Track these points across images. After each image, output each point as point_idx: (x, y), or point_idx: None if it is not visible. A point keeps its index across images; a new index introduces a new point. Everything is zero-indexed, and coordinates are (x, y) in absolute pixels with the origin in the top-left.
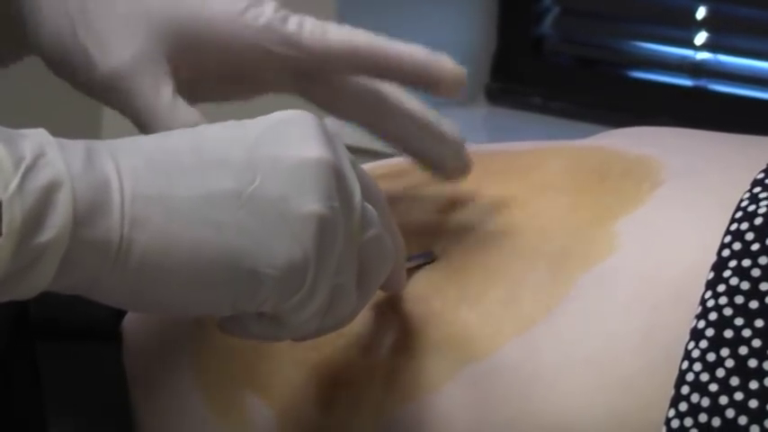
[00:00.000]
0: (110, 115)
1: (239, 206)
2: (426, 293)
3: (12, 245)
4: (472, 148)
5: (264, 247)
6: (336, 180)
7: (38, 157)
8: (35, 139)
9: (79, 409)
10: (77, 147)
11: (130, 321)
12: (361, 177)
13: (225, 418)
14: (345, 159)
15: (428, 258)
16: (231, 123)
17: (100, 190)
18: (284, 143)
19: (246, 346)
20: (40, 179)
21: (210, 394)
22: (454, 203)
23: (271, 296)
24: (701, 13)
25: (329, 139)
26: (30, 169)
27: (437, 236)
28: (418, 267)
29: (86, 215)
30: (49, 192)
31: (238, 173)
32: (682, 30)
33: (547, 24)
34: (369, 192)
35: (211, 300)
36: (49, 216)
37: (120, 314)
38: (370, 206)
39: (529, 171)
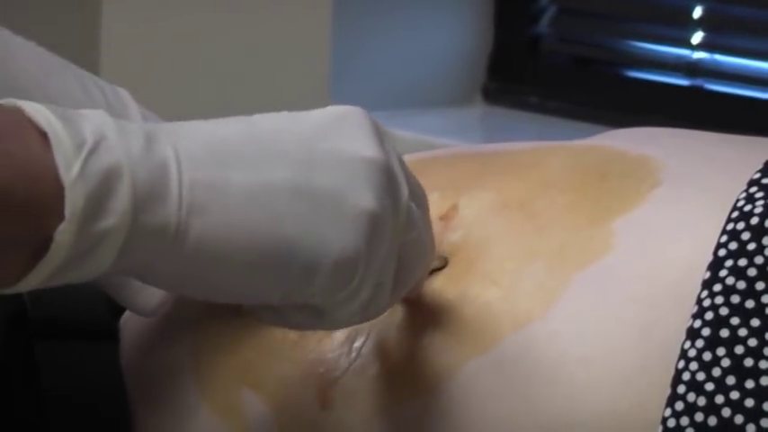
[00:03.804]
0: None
1: (297, 198)
2: (426, 292)
3: (74, 229)
4: (471, 147)
5: (320, 239)
6: (387, 179)
7: (99, 141)
8: (95, 120)
9: (77, 407)
10: (136, 131)
11: (128, 320)
12: (408, 177)
13: (223, 415)
14: (395, 159)
15: (442, 263)
16: (285, 115)
17: (158, 176)
18: (340, 139)
19: (245, 344)
20: (102, 164)
21: (208, 392)
22: (456, 204)
23: (321, 290)
24: (697, 12)
25: (381, 137)
26: (91, 153)
27: (438, 236)
28: (434, 272)
29: (145, 201)
30: (110, 177)
31: (296, 165)
32: (678, 29)
33: (544, 24)
34: (414, 192)
35: (263, 289)
36: (111, 201)
37: (118, 313)
38: (414, 206)
39: (529, 170)
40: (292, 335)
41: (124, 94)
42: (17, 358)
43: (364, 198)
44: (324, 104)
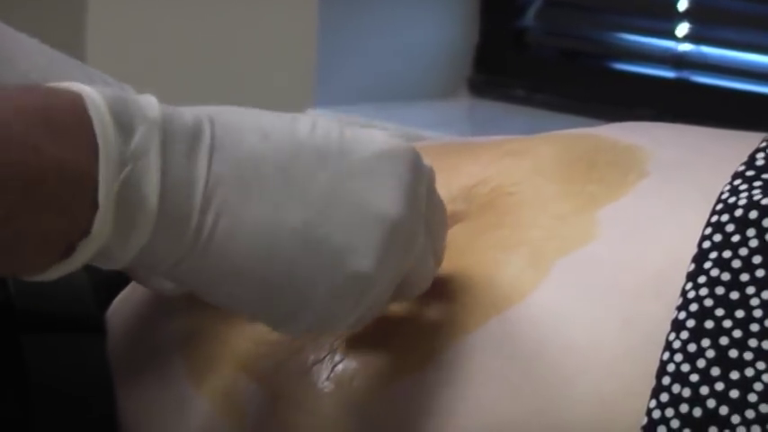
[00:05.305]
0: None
1: (300, 245)
2: None
3: (96, 246)
4: (461, 139)
5: (308, 291)
6: (400, 239)
7: (140, 156)
8: (146, 129)
9: (65, 400)
10: (182, 142)
11: (115, 312)
12: (430, 209)
13: (216, 404)
14: (419, 213)
15: None
16: (334, 139)
17: (185, 198)
18: (369, 188)
19: (238, 332)
20: (136, 189)
21: (200, 381)
22: (450, 196)
23: (300, 328)
24: (683, 4)
25: (416, 185)
26: (128, 176)
27: None
28: None
29: (168, 228)
30: (141, 206)
31: (312, 210)
32: (664, 21)
33: (530, 16)
34: (432, 222)
35: (248, 315)
36: (136, 226)
37: (105, 305)
38: (427, 244)
39: (519, 159)
40: None
41: (130, 91)
42: (3, 351)
43: (365, 262)
44: (309, 98)
